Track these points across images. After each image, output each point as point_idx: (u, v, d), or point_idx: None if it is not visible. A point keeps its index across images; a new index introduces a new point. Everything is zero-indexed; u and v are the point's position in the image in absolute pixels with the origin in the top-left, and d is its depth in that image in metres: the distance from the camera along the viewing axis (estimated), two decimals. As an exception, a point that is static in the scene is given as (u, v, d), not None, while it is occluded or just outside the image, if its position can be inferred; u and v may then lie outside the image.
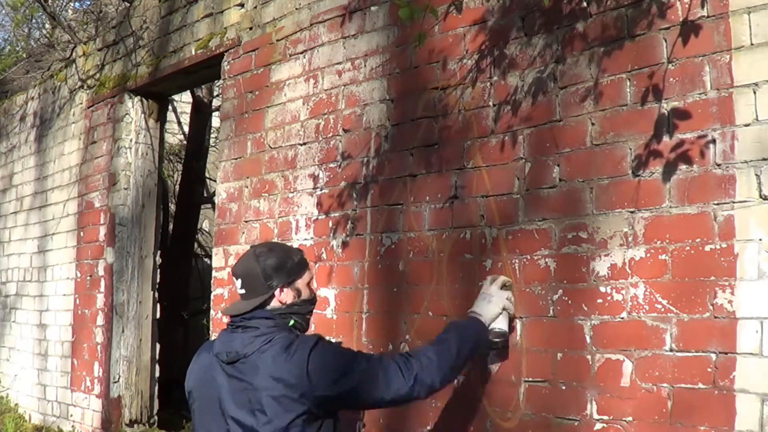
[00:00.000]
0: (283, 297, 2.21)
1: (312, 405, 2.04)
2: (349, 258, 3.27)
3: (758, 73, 2.08)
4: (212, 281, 4.07)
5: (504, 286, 2.53)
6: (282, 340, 2.10)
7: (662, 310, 2.22)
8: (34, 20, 6.70)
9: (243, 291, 2.23)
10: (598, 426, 2.33)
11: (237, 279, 2.25)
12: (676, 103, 2.25)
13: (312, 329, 2.25)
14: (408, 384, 2.14)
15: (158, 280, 5.21)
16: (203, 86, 7.12)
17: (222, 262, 3.99)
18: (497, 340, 2.49)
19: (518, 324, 2.59)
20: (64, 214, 5.70)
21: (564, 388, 2.43)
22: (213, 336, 3.99)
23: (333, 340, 2.31)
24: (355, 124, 3.31)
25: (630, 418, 2.26)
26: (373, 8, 3.30)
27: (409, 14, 2.56)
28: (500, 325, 2.47)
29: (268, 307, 2.20)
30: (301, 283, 2.26)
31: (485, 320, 2.44)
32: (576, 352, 2.41)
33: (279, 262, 2.24)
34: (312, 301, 2.30)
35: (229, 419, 2.10)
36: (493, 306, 2.48)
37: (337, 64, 3.44)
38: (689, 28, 2.23)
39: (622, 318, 2.31)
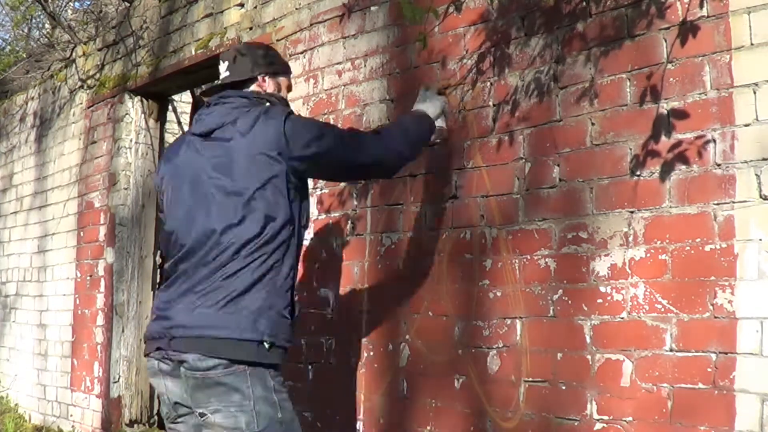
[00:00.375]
0: (265, 86, 2.36)
1: (288, 165, 2.12)
2: (349, 258, 3.27)
3: (758, 73, 2.08)
4: (212, 281, 4.07)
5: (439, 92, 2.78)
6: (258, 110, 2.21)
7: (662, 310, 2.22)
8: (33, 20, 6.69)
9: (227, 74, 2.34)
10: (598, 426, 2.33)
11: (223, 62, 2.37)
12: (675, 103, 2.25)
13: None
14: (380, 148, 2.34)
15: (158, 280, 5.21)
16: (203, 86, 7.11)
17: (222, 262, 3.98)
18: (435, 137, 2.74)
19: (518, 324, 2.59)
20: (64, 214, 5.70)
21: (564, 388, 2.43)
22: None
23: None
24: (355, 124, 3.31)
25: (630, 418, 2.26)
26: (373, 8, 3.30)
27: (412, 14, 2.56)
28: (440, 123, 2.72)
29: (246, 90, 2.31)
30: (283, 81, 2.44)
31: (431, 114, 2.64)
32: (576, 352, 2.41)
33: (267, 54, 2.43)
34: (287, 101, 2.43)
35: (210, 188, 2.13)
36: (434, 107, 2.68)
37: (337, 64, 3.44)
38: (689, 28, 2.23)
39: (622, 318, 2.31)
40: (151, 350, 2.17)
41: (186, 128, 8.57)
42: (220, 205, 2.11)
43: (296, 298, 2.22)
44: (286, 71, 2.48)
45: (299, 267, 2.26)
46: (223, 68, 2.37)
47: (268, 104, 2.26)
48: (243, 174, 2.10)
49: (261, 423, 2.02)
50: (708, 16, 2.20)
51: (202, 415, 2.04)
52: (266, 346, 2.06)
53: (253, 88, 2.34)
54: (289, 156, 2.12)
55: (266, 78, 2.37)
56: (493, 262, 2.70)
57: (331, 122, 3.40)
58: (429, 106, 2.66)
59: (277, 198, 2.12)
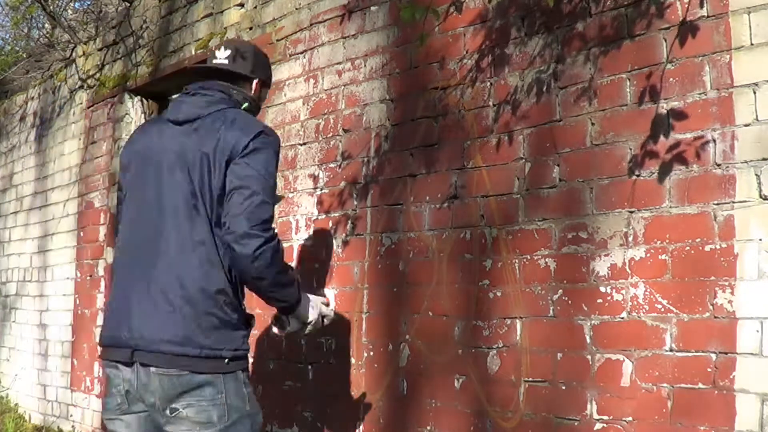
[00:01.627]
0: (256, 90, 2.40)
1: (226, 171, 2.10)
2: (349, 258, 3.27)
3: (758, 73, 2.08)
4: (212, 281, 4.06)
5: (323, 315, 2.46)
6: (233, 113, 2.20)
7: (662, 310, 2.22)
8: (33, 20, 6.69)
9: (225, 61, 2.35)
10: (598, 426, 2.33)
11: (225, 49, 2.37)
12: (675, 103, 2.25)
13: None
14: (251, 230, 2.03)
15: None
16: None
17: (222, 262, 3.99)
18: (274, 326, 2.42)
19: (518, 324, 2.59)
20: (64, 214, 5.70)
21: (564, 388, 2.43)
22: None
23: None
24: (355, 124, 3.31)
25: (630, 418, 2.26)
26: (373, 8, 3.30)
27: (411, 15, 2.56)
28: (294, 321, 2.37)
29: (238, 88, 2.32)
30: (264, 93, 2.49)
31: (299, 306, 2.31)
32: (576, 352, 2.41)
33: (267, 65, 2.51)
34: (259, 109, 2.47)
35: (166, 178, 2.14)
36: (310, 313, 2.37)
37: (337, 64, 3.44)
38: (689, 28, 2.23)
39: (622, 318, 2.31)
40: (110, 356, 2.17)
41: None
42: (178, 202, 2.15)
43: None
44: (270, 85, 2.58)
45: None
46: (221, 54, 2.36)
47: (243, 109, 2.29)
48: (196, 172, 2.11)
49: (232, 416, 2.04)
50: (708, 16, 2.20)
51: (173, 410, 2.03)
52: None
53: (245, 89, 2.36)
54: (226, 165, 2.10)
55: (259, 84, 2.41)
56: (493, 262, 2.70)
57: (330, 122, 3.40)
58: (309, 309, 2.38)
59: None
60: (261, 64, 2.43)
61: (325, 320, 2.49)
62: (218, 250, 2.09)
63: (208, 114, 2.18)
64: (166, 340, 2.03)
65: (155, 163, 2.19)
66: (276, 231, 2.14)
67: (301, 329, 2.41)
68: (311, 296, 2.43)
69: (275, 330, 2.43)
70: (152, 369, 2.04)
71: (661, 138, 2.27)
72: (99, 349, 2.26)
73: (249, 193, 2.06)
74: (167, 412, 2.04)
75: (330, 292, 3.32)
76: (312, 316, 2.39)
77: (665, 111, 2.27)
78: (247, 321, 2.19)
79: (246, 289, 2.21)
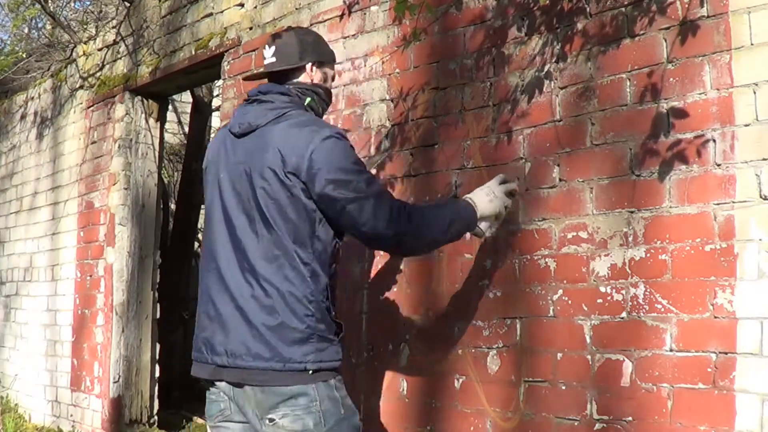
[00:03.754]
0: (313, 75, 2.22)
1: (301, 190, 2.01)
2: (349, 258, 3.26)
3: (758, 73, 2.08)
4: (212, 281, 4.06)
5: (509, 193, 2.38)
6: (297, 117, 2.09)
7: (662, 310, 2.22)
8: (33, 20, 6.69)
9: (273, 60, 2.21)
10: (598, 426, 2.33)
11: (270, 47, 2.22)
12: (675, 103, 2.25)
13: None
14: (388, 234, 2.05)
15: (158, 280, 5.21)
16: (203, 86, 7.12)
17: (222, 262, 3.98)
18: (471, 235, 2.38)
19: (518, 324, 2.59)
20: (64, 214, 5.70)
21: (564, 388, 2.43)
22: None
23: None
24: (355, 124, 3.31)
25: (630, 418, 2.25)
26: (373, 8, 3.30)
27: (403, 10, 2.56)
28: (484, 224, 2.31)
29: (295, 80, 2.19)
30: (328, 72, 2.29)
31: (478, 213, 2.27)
32: (576, 352, 2.41)
33: (316, 41, 2.28)
34: (331, 95, 2.31)
35: (238, 190, 2.08)
36: (492, 206, 2.31)
37: (337, 64, 3.43)
38: (689, 28, 2.23)
39: (622, 318, 2.31)
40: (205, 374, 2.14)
41: (186, 128, 8.58)
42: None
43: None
44: (332, 60, 2.32)
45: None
46: (268, 53, 2.22)
47: (311, 115, 2.16)
48: (263, 186, 2.04)
49: (328, 421, 2.01)
50: (708, 16, 2.20)
51: (270, 420, 2.00)
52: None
53: (302, 78, 2.22)
54: (299, 180, 2.00)
55: (314, 67, 2.23)
56: (493, 262, 2.69)
57: (330, 123, 3.40)
58: (487, 204, 2.29)
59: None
60: (307, 46, 2.22)
61: (512, 195, 2.39)
62: (299, 261, 2.03)
63: (266, 123, 2.08)
64: (252, 354, 1.99)
65: (227, 174, 2.13)
66: (397, 202, 2.08)
67: (494, 223, 2.34)
68: (482, 191, 2.32)
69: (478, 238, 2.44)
70: (247, 386, 2.03)
71: (661, 138, 2.27)
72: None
73: (358, 206, 2.01)
74: (266, 421, 2.02)
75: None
76: (495, 207, 2.31)
77: (665, 111, 2.27)
78: (336, 331, 2.12)
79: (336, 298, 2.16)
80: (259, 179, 2.04)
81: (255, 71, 2.31)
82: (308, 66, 2.21)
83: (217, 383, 2.10)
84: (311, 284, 2.04)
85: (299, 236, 2.03)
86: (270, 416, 2.00)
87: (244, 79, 2.52)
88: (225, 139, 2.20)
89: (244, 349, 2.01)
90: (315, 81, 2.23)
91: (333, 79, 2.32)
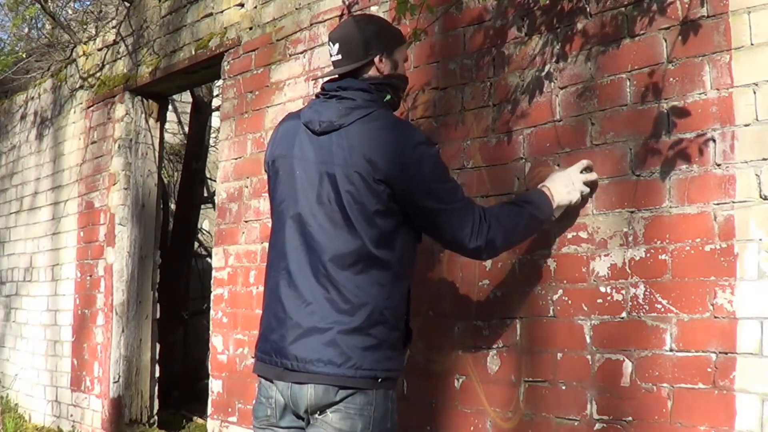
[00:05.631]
0: (382, 66, 2.15)
1: (388, 195, 1.98)
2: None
3: (758, 73, 2.08)
4: (212, 281, 4.07)
5: (587, 183, 2.37)
6: (384, 119, 2.04)
7: (662, 310, 2.22)
8: (33, 20, 6.69)
9: (339, 57, 2.14)
10: (598, 426, 2.33)
11: (333, 44, 2.15)
12: (675, 103, 2.25)
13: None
14: (469, 247, 2.10)
15: (158, 280, 5.21)
16: (203, 86, 7.12)
17: (222, 262, 3.99)
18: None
19: (518, 324, 2.59)
20: (64, 214, 5.70)
21: (564, 388, 2.43)
22: (213, 336, 3.99)
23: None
24: (355, 124, 3.30)
25: (630, 418, 2.25)
26: (373, 8, 3.29)
27: (404, 10, 2.56)
28: (556, 212, 2.35)
29: (365, 76, 2.13)
30: (398, 56, 2.21)
31: (554, 204, 2.30)
32: (576, 352, 2.41)
33: (380, 30, 2.19)
34: (406, 79, 2.26)
35: (301, 190, 2.04)
36: (569, 197, 2.33)
37: (337, 64, 3.43)
38: (689, 28, 2.23)
39: (622, 318, 2.31)
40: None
41: (186, 128, 8.57)
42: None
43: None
44: (400, 41, 2.22)
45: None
46: (333, 50, 2.14)
47: (397, 117, 2.12)
48: (348, 190, 2.00)
49: (374, 430, 1.99)
50: (708, 16, 2.20)
51: (321, 412, 1.97)
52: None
53: (371, 72, 2.14)
54: (391, 187, 1.97)
55: (382, 58, 2.15)
56: (493, 262, 2.69)
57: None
58: (564, 195, 2.32)
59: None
60: (371, 36, 2.13)
61: (588, 184, 2.38)
62: (380, 266, 2.00)
63: (350, 123, 2.02)
64: (324, 361, 1.96)
65: (303, 172, 2.07)
66: (479, 214, 2.09)
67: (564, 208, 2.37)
68: (561, 179, 2.33)
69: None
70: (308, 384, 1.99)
71: (661, 138, 2.27)
72: (253, 361, 2.18)
73: (442, 217, 2.04)
74: (315, 415, 1.99)
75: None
76: (572, 198, 2.34)
77: (665, 111, 2.27)
78: (405, 340, 2.11)
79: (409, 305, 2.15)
80: (346, 182, 1.98)
81: (326, 70, 2.23)
82: (376, 59, 2.14)
83: (276, 383, 2.04)
84: (390, 290, 2.02)
85: (383, 241, 2.00)
86: (321, 411, 1.97)
87: (311, 77, 2.44)
88: (297, 133, 2.11)
89: (316, 355, 1.97)
90: (385, 72, 2.16)
91: (405, 60, 2.26)
